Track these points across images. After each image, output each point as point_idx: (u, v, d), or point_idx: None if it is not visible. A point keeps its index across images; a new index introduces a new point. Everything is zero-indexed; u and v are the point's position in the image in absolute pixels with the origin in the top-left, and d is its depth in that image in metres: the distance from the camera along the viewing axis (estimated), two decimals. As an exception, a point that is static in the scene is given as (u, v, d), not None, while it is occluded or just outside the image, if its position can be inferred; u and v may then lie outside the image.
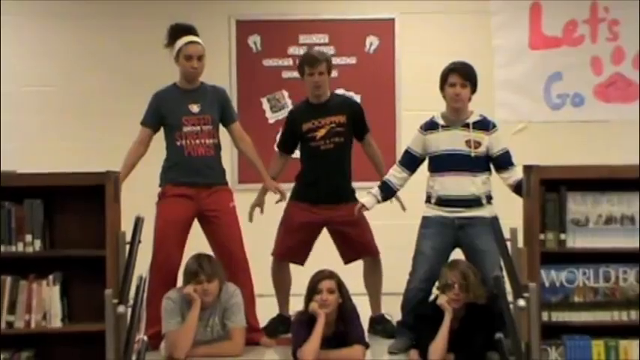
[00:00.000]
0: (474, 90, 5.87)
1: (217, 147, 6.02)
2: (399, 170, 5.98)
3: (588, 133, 8.29)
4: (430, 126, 5.91)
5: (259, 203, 6.36)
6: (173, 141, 5.92)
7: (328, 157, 6.16)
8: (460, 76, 5.81)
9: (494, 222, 5.24)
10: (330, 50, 8.40)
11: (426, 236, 5.81)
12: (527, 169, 5.12)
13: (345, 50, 8.45)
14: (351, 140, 6.30)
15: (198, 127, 5.89)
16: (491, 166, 5.84)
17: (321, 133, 6.16)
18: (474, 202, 5.71)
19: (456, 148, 5.77)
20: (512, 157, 5.79)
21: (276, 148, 6.56)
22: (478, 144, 5.76)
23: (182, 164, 5.91)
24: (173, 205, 5.90)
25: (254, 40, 8.48)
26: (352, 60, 8.37)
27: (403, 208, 6.32)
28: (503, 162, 5.77)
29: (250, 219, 6.28)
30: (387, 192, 5.99)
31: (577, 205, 4.97)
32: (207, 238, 6.02)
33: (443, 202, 5.77)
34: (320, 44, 8.41)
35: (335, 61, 8.31)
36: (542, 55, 8.48)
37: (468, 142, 5.76)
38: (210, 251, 5.91)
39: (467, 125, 5.81)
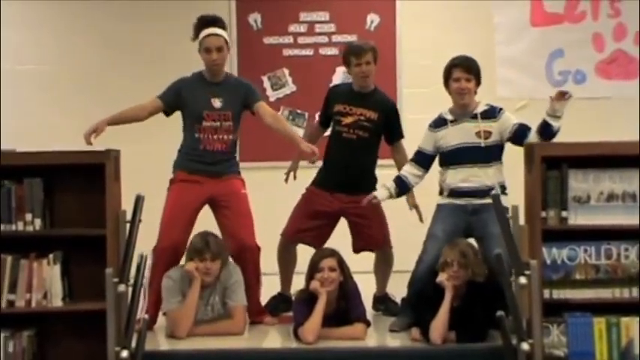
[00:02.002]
0: (478, 83, 5.83)
1: (234, 143, 6.00)
2: (414, 168, 5.94)
3: (590, 110, 8.27)
4: (439, 123, 5.89)
5: (294, 168, 6.46)
6: (192, 132, 5.88)
7: (349, 146, 6.13)
8: (464, 71, 5.78)
9: (495, 199, 5.22)
10: (330, 28, 8.41)
11: (437, 220, 5.80)
12: (529, 146, 5.11)
13: (345, 28, 8.45)
14: (378, 139, 6.22)
15: (218, 123, 5.85)
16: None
17: (348, 120, 6.13)
18: (487, 192, 5.69)
19: (466, 141, 5.75)
20: (527, 126, 5.69)
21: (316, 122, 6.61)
22: (489, 133, 5.74)
23: (197, 156, 5.88)
24: (183, 189, 5.87)
25: (254, 18, 8.48)
26: (353, 38, 8.35)
27: (421, 220, 6.20)
28: (520, 134, 5.68)
29: (286, 180, 6.42)
30: (402, 188, 5.95)
31: (578, 183, 4.95)
32: (218, 224, 5.98)
33: (455, 193, 5.76)
34: (320, 22, 8.42)
35: (335, 38, 8.35)
36: (543, 32, 8.47)
37: (478, 134, 5.74)
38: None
39: (475, 116, 5.78)
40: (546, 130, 5.50)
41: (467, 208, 5.75)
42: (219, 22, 5.89)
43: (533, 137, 5.60)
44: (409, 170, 5.96)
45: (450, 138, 5.81)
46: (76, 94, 8.27)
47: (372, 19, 8.48)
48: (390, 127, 6.25)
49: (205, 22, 5.87)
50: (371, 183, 6.22)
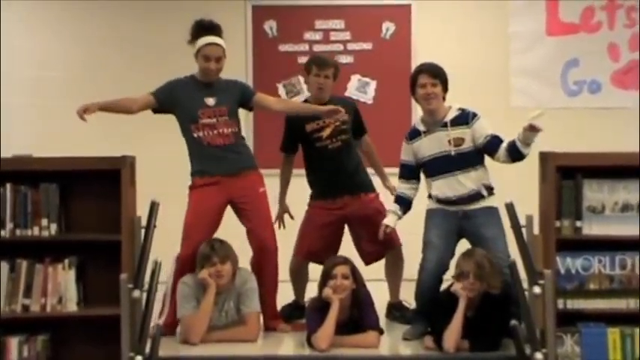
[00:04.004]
0: (445, 89, 5.83)
1: (237, 134, 5.93)
2: (405, 183, 5.95)
3: (605, 120, 8.27)
4: (413, 134, 5.89)
5: (284, 211, 6.47)
6: (190, 133, 5.86)
7: (337, 155, 6.13)
8: (429, 76, 5.77)
9: (509, 208, 5.22)
10: (346, 36, 8.41)
11: (431, 226, 5.79)
12: (544, 155, 5.11)
13: (361, 36, 8.44)
14: (353, 138, 6.29)
15: (214, 119, 5.82)
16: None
17: (327, 132, 6.12)
18: (473, 197, 5.69)
19: (439, 151, 5.74)
20: (500, 139, 5.65)
21: (281, 152, 6.43)
22: (461, 140, 5.71)
23: (204, 155, 5.85)
24: (202, 195, 5.84)
25: (270, 26, 8.48)
26: (368, 46, 8.36)
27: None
28: (490, 148, 5.68)
29: (279, 227, 6.37)
30: (405, 205, 5.95)
31: (593, 193, 4.95)
32: (243, 224, 5.98)
33: (444, 202, 5.76)
34: (336, 30, 8.43)
35: (351, 46, 8.35)
36: (559, 42, 8.46)
37: (450, 142, 5.73)
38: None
39: (445, 125, 5.77)
40: (516, 155, 5.49)
41: (457, 213, 5.74)
42: (218, 29, 5.87)
43: (502, 155, 5.60)
44: (402, 187, 5.97)
45: (424, 149, 5.81)
46: (88, 100, 8.19)
47: (388, 27, 8.48)
48: (355, 123, 6.29)
49: (204, 27, 5.85)
50: (368, 182, 6.30)
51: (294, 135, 6.24)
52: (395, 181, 6.19)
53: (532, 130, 5.28)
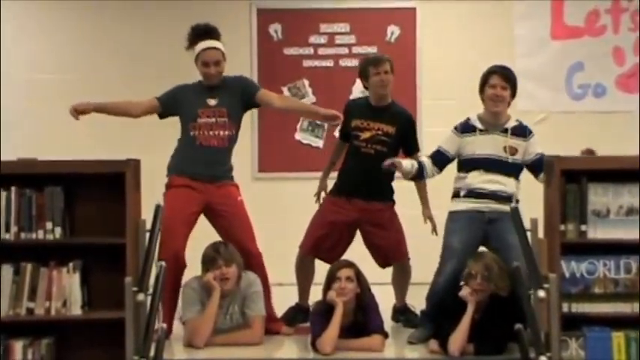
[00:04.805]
0: (513, 95, 5.82)
1: (231, 140, 5.94)
2: (432, 165, 5.93)
3: (609, 124, 8.27)
4: (467, 128, 5.87)
5: (323, 187, 6.50)
6: (187, 131, 5.88)
7: (367, 161, 6.09)
8: (501, 78, 5.77)
9: (514, 212, 5.21)
10: (351, 39, 8.42)
11: (454, 230, 5.78)
12: (548, 159, 5.10)
13: (366, 39, 8.45)
14: (396, 152, 6.16)
15: (213, 119, 5.84)
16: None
17: (366, 135, 6.11)
18: (505, 198, 5.69)
19: (493, 154, 5.75)
20: None
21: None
22: (515, 150, 5.74)
23: (190, 154, 5.87)
24: (178, 196, 5.84)
25: (275, 29, 8.49)
26: (373, 49, 8.34)
27: (435, 232, 6.22)
28: (537, 167, 5.72)
29: (317, 201, 6.43)
30: (419, 174, 5.93)
31: (598, 196, 4.93)
32: (218, 233, 5.98)
33: (474, 194, 5.75)
34: (341, 33, 8.43)
35: (356, 50, 8.35)
36: (563, 45, 8.46)
37: (505, 148, 5.73)
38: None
39: (505, 131, 5.77)
40: None
41: (484, 215, 5.73)
42: (215, 33, 5.88)
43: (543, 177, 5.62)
44: (428, 164, 5.93)
45: (476, 146, 5.78)
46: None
47: (393, 31, 8.48)
48: (406, 140, 6.23)
49: (200, 32, 5.86)
50: (388, 192, 6.24)
51: (345, 125, 6.22)
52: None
53: None
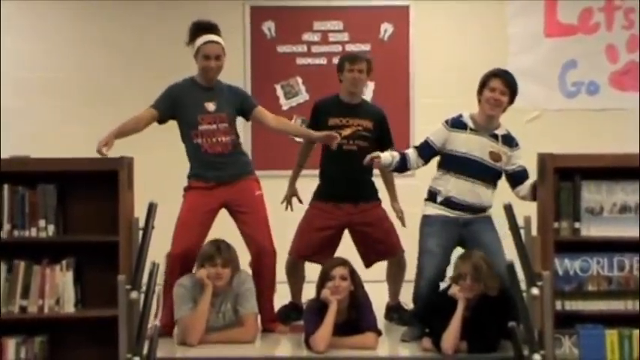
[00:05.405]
0: (511, 101, 5.80)
1: (235, 142, 5.95)
2: (417, 156, 5.88)
3: (603, 122, 8.27)
4: (458, 124, 5.82)
5: (292, 193, 6.48)
6: (190, 139, 5.87)
7: (350, 158, 6.07)
8: (502, 83, 5.71)
9: (508, 210, 5.22)
10: (344, 37, 8.41)
11: (430, 234, 5.75)
12: (542, 157, 5.10)
13: (359, 37, 8.44)
14: (375, 148, 6.07)
15: (214, 126, 5.83)
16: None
17: (347, 132, 6.10)
18: (480, 210, 5.71)
19: (477, 156, 5.71)
20: (527, 174, 5.69)
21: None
22: (499, 157, 5.71)
23: (200, 162, 5.88)
24: (196, 196, 5.87)
25: (268, 27, 8.48)
26: (366, 47, 8.35)
27: (403, 224, 6.37)
28: (517, 178, 5.72)
29: (287, 208, 6.45)
30: (402, 165, 5.87)
31: (591, 194, 4.95)
32: (238, 229, 5.98)
33: (450, 204, 5.73)
34: (334, 31, 8.43)
35: (349, 47, 8.34)
36: (557, 43, 8.46)
37: (491, 153, 5.71)
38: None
39: (495, 136, 5.76)
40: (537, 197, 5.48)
41: (458, 220, 5.73)
42: (216, 29, 5.88)
43: (523, 190, 5.66)
44: (412, 155, 5.88)
45: (462, 144, 5.74)
46: (90, 102, 8.29)
47: (386, 29, 8.48)
48: (382, 134, 6.25)
49: (202, 27, 5.85)
50: (373, 191, 6.27)
51: (318, 126, 6.18)
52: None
53: None
